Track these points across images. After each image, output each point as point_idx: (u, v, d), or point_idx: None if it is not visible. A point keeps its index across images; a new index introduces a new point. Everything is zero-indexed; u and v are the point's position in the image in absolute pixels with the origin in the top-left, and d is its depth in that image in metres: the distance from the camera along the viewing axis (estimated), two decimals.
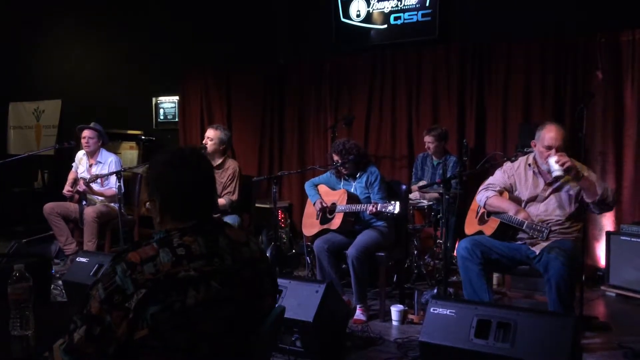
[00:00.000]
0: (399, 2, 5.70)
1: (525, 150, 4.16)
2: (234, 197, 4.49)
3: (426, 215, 4.83)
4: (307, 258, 4.40)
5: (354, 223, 3.97)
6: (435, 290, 4.14)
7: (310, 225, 4.18)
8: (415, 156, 5.35)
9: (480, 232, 3.55)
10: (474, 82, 5.29)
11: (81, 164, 5.22)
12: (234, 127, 6.48)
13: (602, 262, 4.56)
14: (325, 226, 4.04)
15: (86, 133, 5.09)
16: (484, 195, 3.44)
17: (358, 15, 5.95)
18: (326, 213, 4.07)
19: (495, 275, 4.17)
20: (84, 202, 5.04)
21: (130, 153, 7.00)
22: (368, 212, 3.71)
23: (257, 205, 5.22)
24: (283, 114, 6.51)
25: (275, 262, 4.10)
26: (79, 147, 5.27)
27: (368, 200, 3.93)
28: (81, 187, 4.92)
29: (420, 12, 5.58)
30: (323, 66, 6.18)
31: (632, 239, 4.19)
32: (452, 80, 5.41)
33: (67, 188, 5.07)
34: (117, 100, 7.16)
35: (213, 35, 6.66)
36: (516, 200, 3.39)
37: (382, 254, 3.84)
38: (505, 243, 3.36)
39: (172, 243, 1.41)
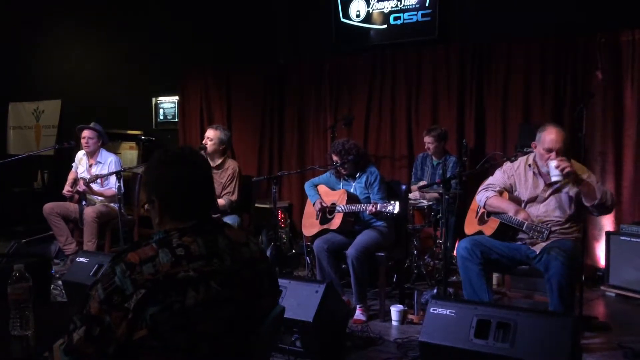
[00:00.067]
0: (399, 2, 5.70)
1: (525, 150, 4.16)
2: (234, 197, 4.49)
3: (426, 215, 4.83)
4: (307, 258, 4.40)
5: (353, 223, 3.97)
6: (435, 290, 4.14)
7: (310, 226, 4.18)
8: (415, 156, 5.35)
9: (480, 232, 3.55)
10: (474, 82, 5.29)
11: (81, 164, 5.22)
12: (234, 127, 6.48)
13: (602, 262, 4.56)
14: (325, 226, 4.04)
15: (86, 133, 5.09)
16: (484, 196, 3.44)
17: (358, 16, 5.95)
18: (326, 213, 4.08)
19: (495, 275, 4.17)
20: (84, 202, 5.04)
21: (130, 153, 7.00)
22: (368, 212, 3.72)
23: (257, 205, 5.22)
24: (283, 114, 6.51)
25: (275, 262, 4.10)
26: (78, 147, 5.27)
27: (368, 200, 3.93)
28: (81, 187, 4.92)
29: (420, 12, 5.58)
30: (323, 66, 6.18)
31: (632, 239, 4.19)
32: (452, 80, 5.41)
33: (67, 188, 5.07)
34: (117, 100, 7.16)
35: (213, 35, 6.66)
36: (516, 201, 3.39)
37: (382, 254, 3.84)
38: (505, 243, 3.36)
39: (172, 243, 1.41)
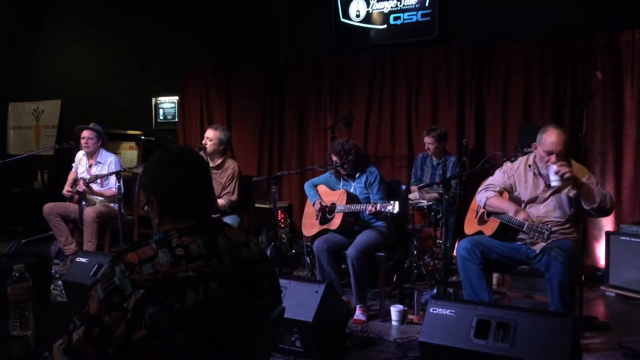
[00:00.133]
0: (399, 2, 5.70)
1: (524, 150, 4.16)
2: (234, 197, 4.49)
3: (426, 216, 4.83)
4: (307, 258, 4.40)
5: (353, 223, 3.97)
6: (435, 290, 4.14)
7: (309, 226, 4.18)
8: (415, 156, 5.35)
9: (480, 232, 3.55)
10: (474, 82, 5.29)
11: (81, 164, 5.22)
12: (234, 127, 6.48)
13: (602, 262, 4.56)
14: (324, 226, 4.04)
15: (85, 134, 5.09)
16: (484, 196, 3.43)
17: (358, 16, 5.95)
18: (326, 213, 4.07)
19: (495, 275, 4.17)
20: (84, 203, 5.04)
21: (130, 153, 7.00)
22: (367, 212, 3.72)
23: (256, 205, 5.22)
24: (283, 114, 6.51)
25: (275, 262, 4.10)
26: (78, 148, 5.27)
27: (367, 200, 3.93)
28: (81, 187, 4.92)
29: (419, 12, 5.58)
30: (323, 66, 6.18)
31: (632, 239, 4.18)
32: (452, 80, 5.41)
33: (66, 188, 5.07)
34: (117, 101, 7.16)
35: (213, 35, 6.66)
36: (516, 201, 3.39)
37: (382, 254, 3.84)
38: (505, 243, 3.36)
39: (171, 243, 1.41)
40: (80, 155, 5.24)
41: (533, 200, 3.35)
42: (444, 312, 2.66)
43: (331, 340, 3.14)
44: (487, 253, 3.30)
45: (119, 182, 4.27)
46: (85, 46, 7.72)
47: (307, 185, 4.30)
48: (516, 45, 5.11)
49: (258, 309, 1.53)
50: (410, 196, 4.79)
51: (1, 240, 5.74)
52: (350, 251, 3.73)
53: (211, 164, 4.51)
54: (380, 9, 5.81)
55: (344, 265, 3.95)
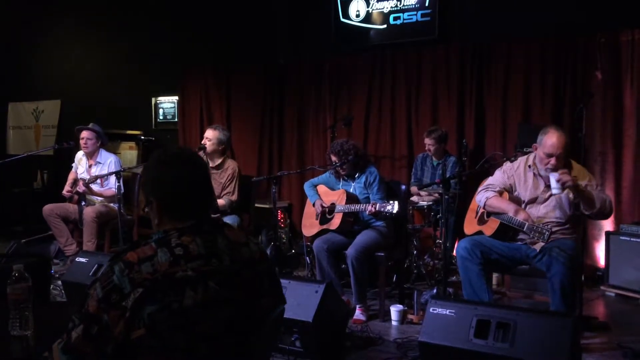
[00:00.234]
0: (399, 2, 5.70)
1: (524, 150, 4.16)
2: (234, 197, 4.49)
3: (426, 215, 4.83)
4: (307, 258, 4.40)
5: (353, 223, 3.97)
6: (434, 290, 4.14)
7: (309, 226, 4.18)
8: (415, 156, 5.35)
9: (480, 232, 3.55)
10: (474, 82, 5.29)
11: (80, 165, 5.22)
12: (234, 127, 6.48)
13: (602, 262, 4.56)
14: (324, 226, 4.04)
15: (84, 134, 5.09)
16: (484, 196, 3.43)
17: (357, 15, 5.95)
18: (325, 213, 4.07)
19: (495, 275, 4.17)
20: (83, 203, 5.03)
21: (130, 153, 7.00)
22: (367, 212, 3.72)
23: (256, 205, 5.22)
24: (282, 114, 6.51)
25: (274, 262, 4.10)
26: (78, 148, 5.27)
27: (367, 200, 3.93)
28: (81, 188, 4.92)
29: (419, 12, 5.58)
30: (323, 66, 6.18)
31: (632, 239, 4.18)
32: (452, 81, 5.41)
33: (66, 188, 5.07)
34: (117, 101, 7.16)
35: (213, 35, 6.66)
36: (516, 201, 3.39)
37: (382, 254, 3.84)
38: (505, 243, 3.36)
39: (170, 243, 1.41)
40: (80, 155, 5.24)
41: (533, 201, 3.35)
42: (444, 312, 2.66)
43: (331, 340, 3.14)
44: (487, 253, 3.30)
45: (118, 182, 4.26)
46: (85, 46, 7.72)
47: (306, 185, 4.30)
48: (516, 45, 5.11)
49: (258, 309, 1.53)
50: (412, 198, 4.80)
51: (1, 240, 5.74)
52: (350, 251, 3.73)
53: (211, 164, 4.52)
54: (380, 9, 5.81)
55: (343, 265, 3.95)
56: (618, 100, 4.69)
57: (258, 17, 6.50)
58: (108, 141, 5.37)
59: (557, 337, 2.41)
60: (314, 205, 4.16)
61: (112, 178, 4.86)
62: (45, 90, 7.98)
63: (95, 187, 4.95)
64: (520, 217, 3.23)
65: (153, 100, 7.26)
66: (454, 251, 4.05)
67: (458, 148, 5.12)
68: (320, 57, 6.21)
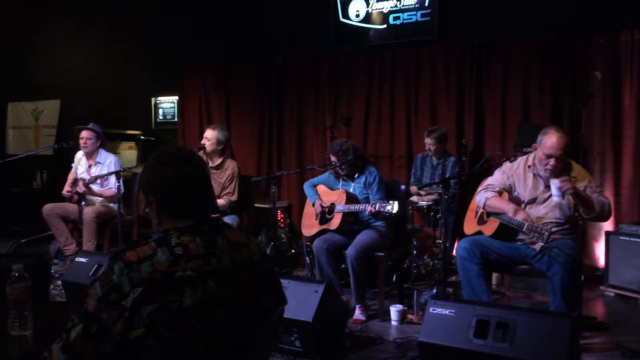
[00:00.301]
0: (398, 2, 5.70)
1: (524, 150, 4.16)
2: (233, 197, 4.49)
3: (425, 215, 4.83)
4: (307, 258, 4.41)
5: (352, 223, 3.97)
6: (434, 290, 4.14)
7: (309, 226, 4.18)
8: (415, 156, 5.35)
9: (479, 233, 3.55)
10: (473, 82, 5.29)
11: (80, 165, 5.22)
12: (233, 127, 6.48)
13: (601, 262, 4.57)
14: (324, 226, 4.04)
15: (84, 134, 5.08)
16: (483, 196, 3.43)
17: (357, 15, 5.95)
18: (325, 213, 4.08)
19: (494, 275, 4.17)
20: (83, 203, 5.03)
21: (130, 153, 7.00)
22: (367, 212, 3.72)
23: (256, 205, 5.22)
24: (282, 114, 6.51)
25: (274, 262, 4.10)
26: (77, 148, 5.27)
27: (367, 200, 3.93)
28: (81, 188, 4.92)
29: (419, 12, 5.58)
30: (322, 66, 6.17)
31: (631, 239, 4.19)
32: (451, 80, 5.41)
33: (66, 188, 5.07)
34: (117, 100, 7.16)
35: (212, 35, 6.66)
36: (515, 201, 3.39)
37: (382, 253, 3.84)
38: (505, 243, 3.36)
39: (170, 242, 1.41)
40: (80, 155, 5.24)
41: (533, 201, 3.35)
42: (444, 312, 2.66)
43: (330, 340, 3.14)
44: (487, 253, 3.30)
45: (118, 182, 4.27)
46: (85, 46, 7.72)
47: (306, 185, 4.30)
48: (515, 45, 5.11)
49: (257, 309, 1.53)
50: (412, 198, 4.80)
51: (1, 240, 5.72)
52: (350, 251, 3.73)
53: (210, 164, 4.52)
54: (379, 8, 5.81)
55: (343, 265, 3.95)
56: (617, 100, 4.69)
57: (258, 16, 6.50)
58: (107, 141, 5.36)
59: (556, 337, 2.41)
60: (313, 205, 4.16)
61: (112, 178, 4.86)
62: (45, 90, 7.97)
63: (95, 187, 4.95)
64: (520, 217, 3.24)
65: (153, 100, 7.26)
66: (454, 251, 4.05)
67: (457, 148, 5.12)
68: (319, 57, 6.21)
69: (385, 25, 5.81)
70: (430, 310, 2.70)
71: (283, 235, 5.66)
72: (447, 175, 4.54)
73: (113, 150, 5.85)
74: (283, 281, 3.03)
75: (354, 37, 5.99)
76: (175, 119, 7.05)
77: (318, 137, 6.21)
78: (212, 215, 1.59)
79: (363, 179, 4.00)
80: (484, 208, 3.49)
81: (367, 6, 5.88)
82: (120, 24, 7.24)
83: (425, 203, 4.72)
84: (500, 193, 3.45)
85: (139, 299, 1.32)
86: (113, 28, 7.30)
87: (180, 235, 1.44)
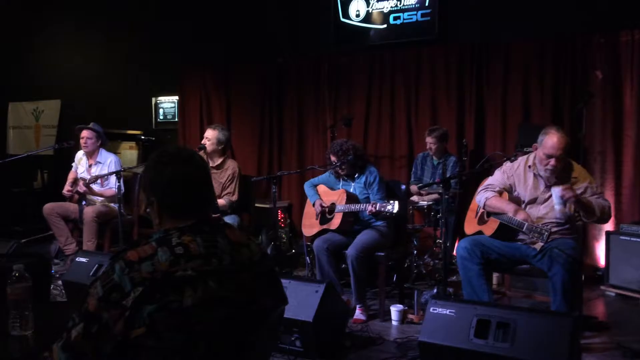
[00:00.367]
0: (399, 2, 5.70)
1: (524, 150, 4.16)
2: (234, 197, 4.49)
3: (425, 215, 4.83)
4: (307, 258, 4.40)
5: (353, 223, 3.97)
6: (434, 290, 4.14)
7: (309, 226, 4.18)
8: (415, 156, 5.35)
9: (480, 232, 3.55)
10: (473, 82, 5.29)
11: (80, 164, 5.22)
12: (234, 127, 6.48)
13: (602, 261, 4.56)
14: (324, 226, 4.04)
15: (85, 133, 5.09)
16: (483, 196, 3.43)
17: (357, 15, 5.95)
18: (325, 213, 4.07)
19: (495, 275, 4.17)
20: (84, 202, 5.03)
21: (130, 153, 7.00)
22: (367, 212, 3.72)
23: (256, 205, 5.22)
24: (282, 114, 6.51)
25: (275, 262, 4.09)
26: (78, 147, 5.27)
27: (367, 200, 3.93)
28: (81, 188, 4.92)
29: (419, 12, 5.58)
30: (322, 66, 6.17)
31: (632, 239, 4.18)
32: (452, 80, 5.41)
33: (66, 188, 5.07)
34: (117, 100, 7.16)
35: (212, 34, 6.66)
36: (515, 201, 3.39)
37: (382, 253, 3.84)
38: (505, 242, 3.36)
39: (171, 242, 1.41)
40: (80, 155, 5.24)
41: (533, 201, 3.35)
42: (444, 312, 2.66)
43: (331, 340, 3.14)
44: (487, 253, 3.30)
45: (119, 182, 4.27)
46: (85, 46, 7.72)
47: (306, 185, 4.30)
48: (516, 45, 5.11)
49: (257, 309, 1.53)
50: (412, 198, 4.80)
51: (1, 240, 5.73)
52: (350, 251, 3.73)
53: (211, 164, 4.52)
54: (380, 8, 5.81)
55: (343, 265, 3.95)
56: (618, 100, 4.69)
57: (257, 16, 6.50)
58: (108, 141, 5.36)
59: (557, 337, 2.41)
60: (313, 205, 4.16)
61: (113, 178, 4.86)
62: (45, 90, 7.98)
63: (95, 187, 4.95)
64: (520, 217, 3.23)
65: (153, 100, 7.26)
66: (454, 251, 4.05)
67: (458, 148, 5.12)
68: (320, 57, 6.21)
69: (385, 25, 5.81)
70: (431, 310, 2.70)
71: (283, 235, 5.66)
72: (448, 175, 4.54)
73: (113, 150, 5.85)
74: (283, 281, 3.03)
75: (354, 37, 5.99)
76: (176, 119, 7.05)
77: (318, 137, 6.21)
78: (213, 215, 1.59)
79: (363, 178, 4.00)
80: (484, 208, 3.49)
81: (368, 6, 5.88)
82: (120, 24, 7.24)
83: (425, 203, 4.72)
84: (500, 193, 3.45)
85: (140, 298, 1.32)
86: (113, 28, 7.30)
87: (181, 235, 1.44)
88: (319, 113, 6.22)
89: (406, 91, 5.68)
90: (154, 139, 7.07)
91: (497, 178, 3.50)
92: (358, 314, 3.75)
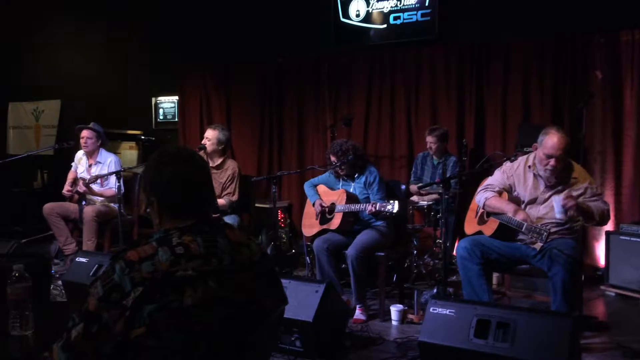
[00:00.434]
0: (399, 2, 5.70)
1: (524, 150, 4.16)
2: (234, 197, 4.49)
3: (425, 215, 4.83)
4: (307, 258, 4.40)
5: (353, 223, 3.97)
6: (434, 290, 4.14)
7: (309, 226, 4.18)
8: (415, 155, 5.35)
9: (480, 233, 3.55)
10: (473, 82, 5.29)
11: (80, 164, 5.22)
12: (234, 127, 6.48)
13: (602, 261, 4.56)
14: (324, 226, 4.04)
15: (85, 133, 5.09)
16: (483, 196, 3.43)
17: (357, 15, 5.95)
18: (325, 213, 4.07)
19: (495, 275, 4.17)
20: (84, 202, 5.03)
21: (130, 153, 7.00)
22: (367, 211, 3.72)
23: (256, 205, 5.22)
24: (282, 114, 6.51)
25: (275, 262, 4.09)
26: (78, 147, 5.27)
27: (367, 200, 3.93)
28: (81, 188, 4.92)
29: (419, 12, 5.58)
30: (322, 66, 6.17)
31: (632, 239, 4.18)
32: (452, 80, 5.41)
33: (66, 188, 5.07)
34: (117, 100, 7.16)
35: (212, 34, 6.66)
36: (515, 201, 3.39)
37: (382, 253, 3.84)
38: (505, 242, 3.36)
39: (171, 242, 1.41)
40: (80, 154, 5.24)
41: (533, 201, 3.35)
42: (444, 312, 2.66)
43: (331, 340, 3.14)
44: (487, 253, 3.30)
45: (118, 182, 4.27)
46: (85, 46, 7.72)
47: (306, 185, 4.30)
48: (516, 45, 5.11)
49: (257, 309, 1.53)
50: (412, 198, 4.80)
51: (1, 240, 5.73)
52: (350, 251, 3.73)
53: (211, 164, 4.52)
54: (380, 8, 5.81)
55: (343, 265, 3.95)
56: (618, 100, 4.69)
57: (257, 16, 6.50)
58: (108, 141, 5.36)
59: (557, 336, 2.41)
60: (313, 205, 4.16)
61: (112, 178, 4.86)
62: (45, 90, 7.98)
63: (95, 187, 4.95)
64: (519, 217, 3.23)
65: (153, 100, 7.26)
66: (454, 251, 4.05)
67: (458, 148, 5.12)
68: (320, 57, 6.21)
69: (385, 25, 5.81)
70: (431, 310, 2.70)
71: (283, 235, 5.66)
72: (448, 175, 4.54)
73: (113, 150, 5.85)
74: (283, 281, 3.03)
75: (354, 37, 5.99)
76: (176, 119, 7.05)
77: (318, 137, 6.20)
78: (213, 215, 1.59)
79: (363, 179, 4.00)
80: (483, 208, 3.49)
81: (368, 6, 5.88)
82: (120, 24, 7.24)
83: (425, 203, 4.72)
84: (500, 193, 3.45)
85: (140, 298, 1.32)
86: (113, 28, 7.30)
87: (181, 235, 1.44)
88: (319, 113, 6.22)
89: (406, 91, 5.68)
90: (154, 139, 7.07)
91: (496, 178, 3.50)
92: (358, 314, 3.75)
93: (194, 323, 1.35)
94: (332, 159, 4.04)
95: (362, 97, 5.93)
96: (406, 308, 3.79)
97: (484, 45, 5.26)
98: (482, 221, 3.60)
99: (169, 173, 1.50)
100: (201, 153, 4.36)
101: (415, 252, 4.73)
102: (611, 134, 4.72)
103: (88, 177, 4.90)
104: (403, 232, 4.23)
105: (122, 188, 4.32)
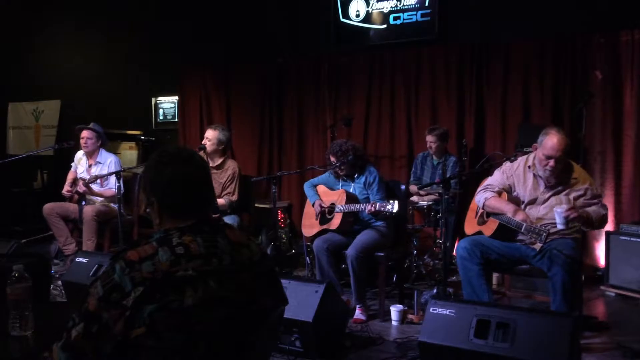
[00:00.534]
0: (398, 2, 5.70)
1: (524, 150, 4.16)
2: (234, 197, 4.49)
3: (425, 215, 4.83)
4: (307, 258, 4.40)
5: (352, 223, 3.97)
6: (434, 290, 4.14)
7: (309, 226, 4.18)
8: (415, 155, 5.35)
9: (480, 233, 3.55)
10: (473, 82, 5.29)
11: (80, 164, 5.22)
12: (234, 127, 6.48)
13: (602, 261, 4.56)
14: (324, 226, 4.04)
15: (85, 133, 5.09)
16: (483, 197, 3.43)
17: (357, 15, 5.95)
18: (325, 213, 4.07)
19: (495, 275, 4.17)
20: (83, 202, 5.03)
21: (130, 153, 7.00)
22: (367, 211, 3.72)
23: (256, 205, 5.22)
24: (282, 114, 6.51)
25: (274, 262, 4.09)
26: (78, 147, 5.27)
27: (367, 200, 3.93)
28: (81, 188, 4.92)
29: (419, 12, 5.58)
30: (322, 66, 6.17)
31: (632, 239, 4.18)
32: (451, 80, 5.41)
33: (66, 188, 5.07)
34: (117, 100, 7.16)
35: (212, 34, 6.67)
36: (515, 201, 3.39)
37: (382, 253, 3.84)
38: (505, 243, 3.36)
39: (172, 242, 1.41)
40: (80, 154, 5.24)
41: (533, 202, 3.35)
42: (444, 312, 2.66)
43: (331, 340, 3.14)
44: (487, 253, 3.30)
45: (118, 182, 4.27)
46: (85, 46, 7.72)
47: (306, 186, 4.30)
48: (516, 45, 5.11)
49: (257, 309, 1.53)
50: (412, 198, 4.80)
51: (1, 240, 5.73)
52: (350, 251, 3.73)
53: (211, 164, 4.52)
54: (380, 8, 5.81)
55: (343, 265, 3.95)
56: (618, 100, 4.69)
57: (257, 16, 6.50)
58: (108, 141, 5.36)
59: (557, 337, 2.41)
60: (313, 205, 4.16)
61: (112, 178, 4.86)
62: (45, 90, 7.97)
63: (95, 187, 4.95)
64: (518, 217, 3.23)
65: (153, 100, 7.26)
66: (454, 251, 4.05)
67: (458, 148, 5.12)
68: (319, 57, 6.21)
69: (385, 25, 5.81)
70: (431, 310, 2.70)
71: (283, 235, 5.66)
72: (448, 175, 4.54)
73: (113, 151, 5.85)
74: (283, 281, 3.02)
75: (354, 37, 5.99)
76: (176, 119, 7.05)
77: (318, 137, 6.21)
78: (213, 215, 1.59)
79: (363, 179, 4.00)
80: (483, 208, 3.49)
81: (367, 6, 5.88)
82: (120, 24, 7.24)
83: (425, 203, 4.72)
84: (499, 193, 3.45)
85: (140, 298, 1.32)
86: (113, 28, 7.30)
87: (181, 235, 1.44)
88: (319, 113, 6.22)
89: (406, 91, 5.68)
90: (154, 139, 7.07)
91: (496, 178, 3.50)
92: (358, 314, 3.75)
93: (194, 323, 1.36)
94: (332, 159, 4.04)
95: (362, 97, 5.93)
96: (406, 308, 3.79)
97: (484, 45, 5.26)
98: (482, 221, 3.60)
99: (169, 173, 1.50)
100: (201, 153, 4.36)
101: (415, 252, 4.73)
102: (611, 134, 4.72)
103: (88, 177, 4.90)
104: (403, 232, 4.23)
105: (122, 188, 4.32)
